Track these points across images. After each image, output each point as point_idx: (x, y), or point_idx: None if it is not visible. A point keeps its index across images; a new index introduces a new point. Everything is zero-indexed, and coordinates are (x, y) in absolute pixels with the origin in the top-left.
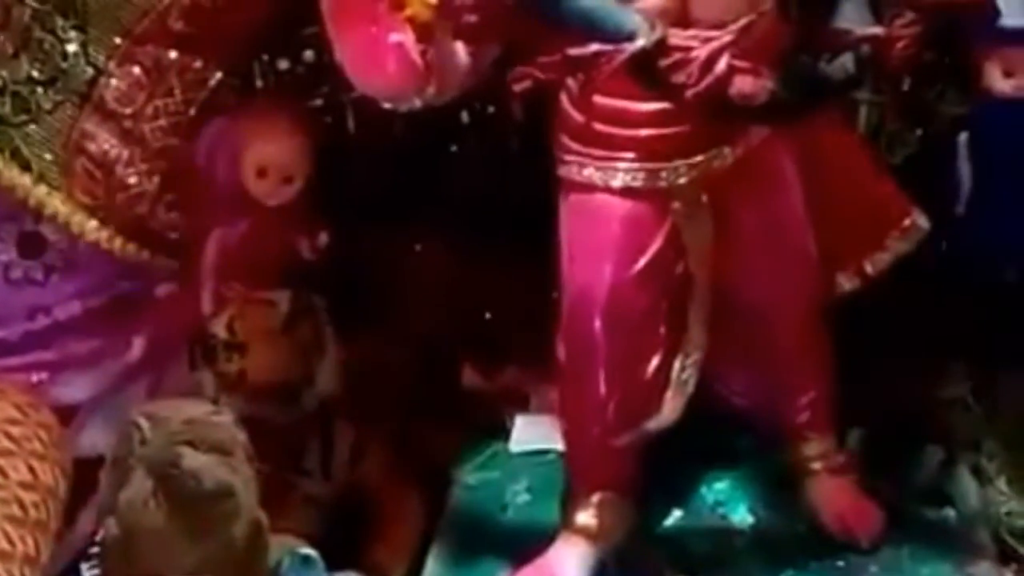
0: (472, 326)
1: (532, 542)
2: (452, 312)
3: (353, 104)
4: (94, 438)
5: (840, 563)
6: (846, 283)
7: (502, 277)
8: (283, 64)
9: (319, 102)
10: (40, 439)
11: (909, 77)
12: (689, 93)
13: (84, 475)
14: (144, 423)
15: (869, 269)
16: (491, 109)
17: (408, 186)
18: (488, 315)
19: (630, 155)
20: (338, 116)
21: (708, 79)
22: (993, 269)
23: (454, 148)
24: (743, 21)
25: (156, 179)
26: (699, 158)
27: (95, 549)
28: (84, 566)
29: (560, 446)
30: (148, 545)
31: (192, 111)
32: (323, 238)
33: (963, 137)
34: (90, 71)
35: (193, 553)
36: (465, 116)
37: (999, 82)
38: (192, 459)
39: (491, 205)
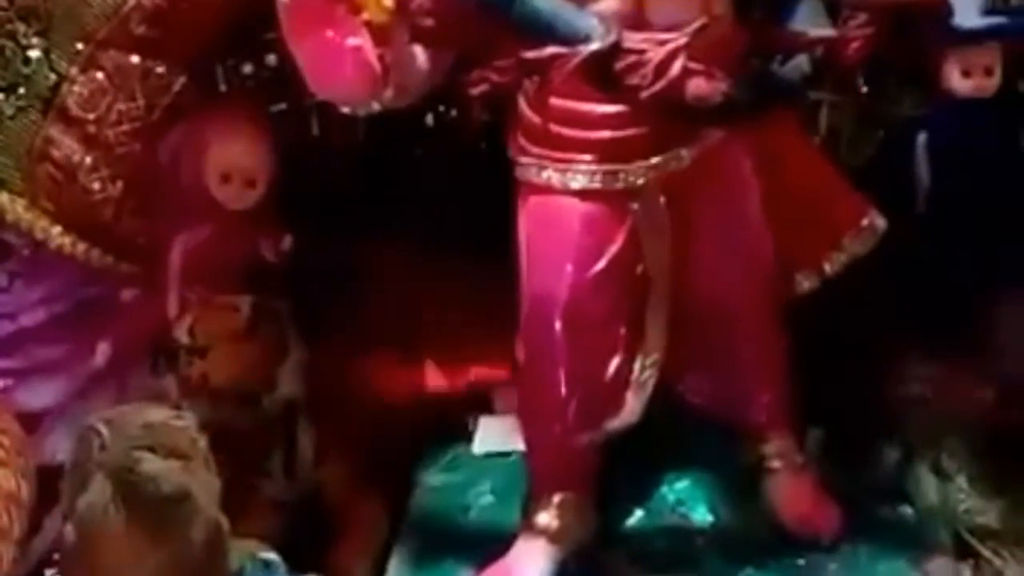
0: (435, 328)
1: (495, 544)
2: (415, 314)
3: (317, 108)
4: (59, 444)
5: (800, 561)
6: (804, 283)
7: (465, 279)
8: (247, 68)
9: (283, 106)
10: (3, 446)
11: (868, 78)
12: (644, 95)
13: (49, 482)
14: (103, 428)
15: (827, 269)
16: (454, 112)
17: (372, 189)
18: (451, 317)
19: (588, 157)
20: (302, 120)
21: (663, 81)
22: (952, 268)
23: (418, 151)
24: (697, 24)
25: (120, 184)
26: (656, 160)
27: (58, 555)
28: (49, 572)
29: (523, 447)
30: (107, 550)
31: (155, 116)
32: (287, 242)
33: (922, 138)
34: (53, 77)
35: (152, 558)
36: (429, 119)
37: (958, 82)
38: (150, 464)
39: (455, 208)
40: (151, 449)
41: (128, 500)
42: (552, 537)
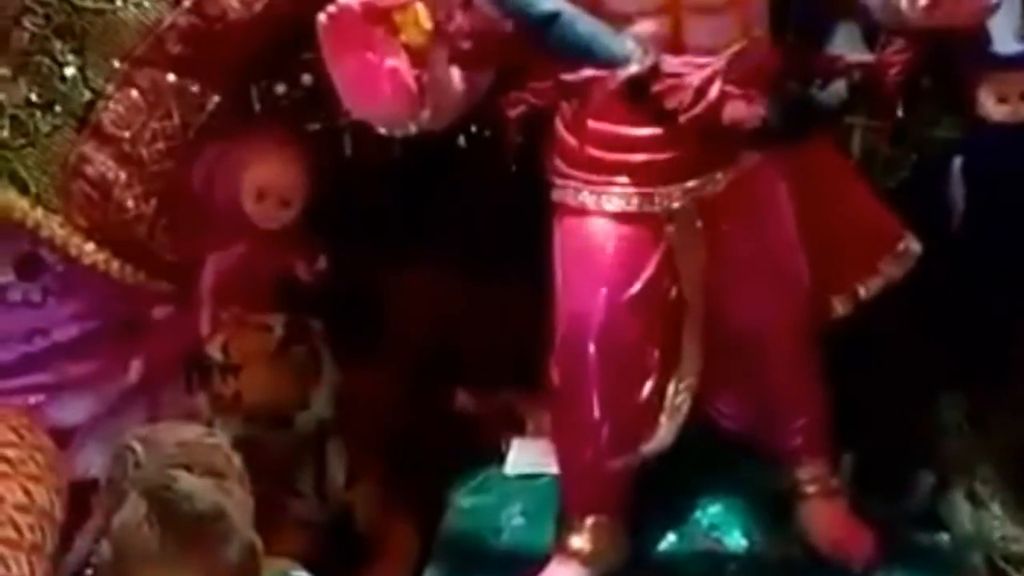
0: (467, 349)
1: (527, 566)
2: (447, 335)
3: (351, 128)
4: (91, 460)
5: None
6: (839, 307)
7: (498, 300)
8: (281, 88)
9: (317, 126)
10: (36, 461)
11: (904, 102)
12: (682, 119)
13: (81, 497)
14: (138, 446)
15: (862, 293)
16: (488, 133)
17: (405, 210)
18: (483, 338)
19: (624, 179)
20: (336, 140)
21: (701, 105)
22: (986, 293)
23: (451, 172)
24: (735, 47)
25: (153, 202)
26: (693, 183)
27: (91, 572)
28: None
29: (555, 470)
30: (142, 568)
31: (190, 134)
32: (321, 262)
33: (957, 162)
34: (88, 94)
35: (186, 575)
36: (462, 140)
37: (993, 108)
38: (186, 482)
39: (487, 229)
40: (187, 467)
41: (163, 518)
42: (584, 560)
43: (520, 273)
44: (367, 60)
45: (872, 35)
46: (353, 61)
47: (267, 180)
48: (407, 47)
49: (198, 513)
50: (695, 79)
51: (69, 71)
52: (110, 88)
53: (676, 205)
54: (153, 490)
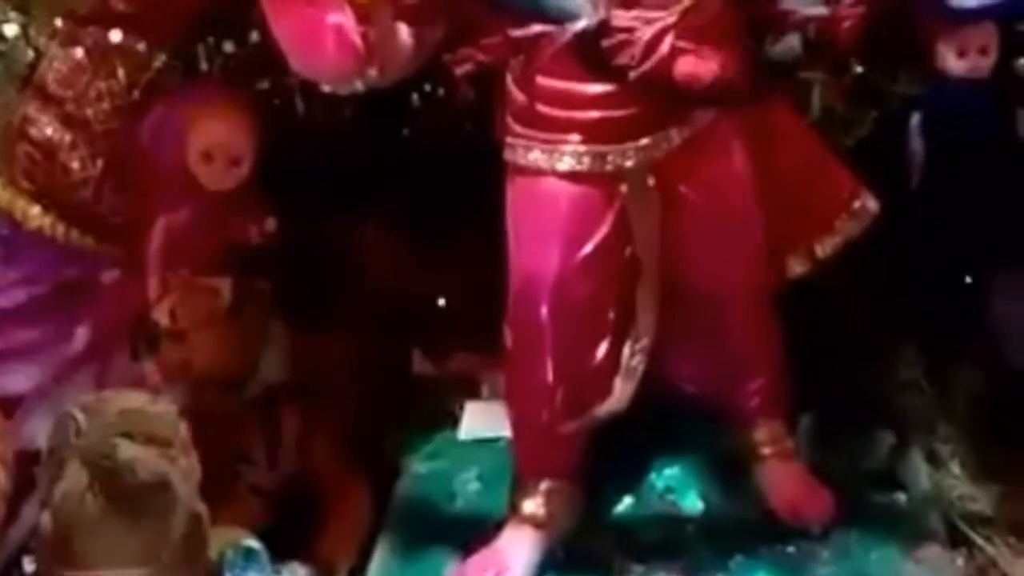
0: (423, 312)
1: (482, 531)
2: (402, 298)
3: (301, 87)
4: (38, 430)
5: (790, 549)
6: (796, 266)
7: (453, 262)
8: (228, 46)
9: (266, 85)
10: None
11: (862, 58)
12: (632, 75)
13: (28, 468)
14: (79, 415)
15: (819, 252)
16: (441, 92)
17: (358, 170)
18: (439, 301)
19: (576, 138)
20: (286, 99)
21: (651, 60)
22: (945, 250)
23: (404, 131)
24: (687, 2)
25: (99, 163)
26: (646, 141)
27: (36, 543)
28: (27, 559)
29: (509, 433)
30: (84, 538)
31: (136, 94)
32: (270, 223)
33: (916, 117)
34: (31, 54)
35: (130, 546)
36: (415, 99)
37: (953, 63)
38: (128, 450)
39: (442, 189)
40: (128, 435)
41: (105, 487)
42: (539, 524)
43: (475, 234)
44: (310, 17)
45: None
46: (296, 18)
47: (214, 140)
48: (352, 3)
49: (141, 482)
50: (645, 34)
51: (11, 29)
52: (53, 47)
53: (629, 164)
54: (94, 459)
